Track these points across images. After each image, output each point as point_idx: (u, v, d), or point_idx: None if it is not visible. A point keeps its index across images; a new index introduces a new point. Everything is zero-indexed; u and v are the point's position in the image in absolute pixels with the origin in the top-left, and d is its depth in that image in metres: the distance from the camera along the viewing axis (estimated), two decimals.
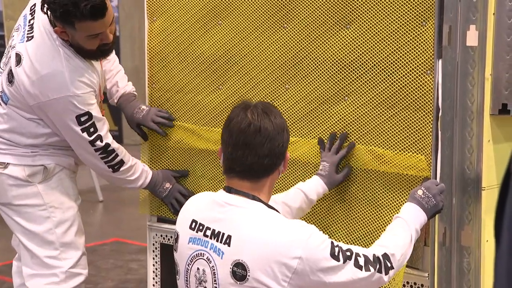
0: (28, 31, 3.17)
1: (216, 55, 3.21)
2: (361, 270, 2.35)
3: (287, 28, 2.99)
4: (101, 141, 3.18)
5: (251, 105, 2.45)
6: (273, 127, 2.41)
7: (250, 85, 3.12)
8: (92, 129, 3.14)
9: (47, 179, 3.27)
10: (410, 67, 2.71)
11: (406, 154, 2.74)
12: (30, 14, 3.21)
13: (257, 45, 3.08)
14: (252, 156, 2.41)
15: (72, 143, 3.22)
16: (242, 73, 3.14)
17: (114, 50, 3.38)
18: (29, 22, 3.19)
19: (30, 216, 3.26)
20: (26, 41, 3.14)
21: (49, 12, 3.03)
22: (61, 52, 3.08)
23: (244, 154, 2.41)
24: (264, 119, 2.41)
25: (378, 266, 2.39)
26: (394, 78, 2.74)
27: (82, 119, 3.11)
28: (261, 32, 3.06)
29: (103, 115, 3.28)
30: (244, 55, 3.13)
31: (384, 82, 2.77)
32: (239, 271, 2.32)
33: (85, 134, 3.14)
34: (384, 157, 2.78)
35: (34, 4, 3.23)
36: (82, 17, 2.94)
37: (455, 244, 2.71)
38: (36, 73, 3.07)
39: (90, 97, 3.13)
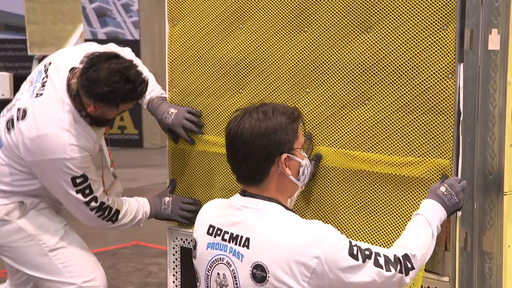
0: (39, 88, 3.23)
1: (237, 59, 3.21)
2: (382, 269, 2.35)
3: (307, 31, 2.99)
4: (96, 202, 3.23)
5: (249, 109, 2.46)
6: (250, 131, 2.40)
7: (271, 89, 3.12)
8: (87, 191, 3.20)
9: (26, 213, 3.30)
10: (432, 71, 2.69)
11: (428, 158, 2.72)
12: (44, 71, 3.27)
13: (277, 49, 3.08)
14: (235, 162, 2.46)
15: (66, 203, 3.27)
16: (263, 76, 3.14)
17: (139, 58, 3.45)
18: (42, 79, 3.25)
19: (21, 250, 3.30)
20: (35, 97, 3.20)
21: (83, 93, 3.10)
22: (67, 116, 3.14)
23: (230, 160, 2.47)
24: (245, 124, 2.41)
25: (399, 267, 2.38)
26: (415, 82, 2.73)
27: (78, 181, 3.17)
28: (281, 36, 3.06)
29: (107, 128, 3.34)
30: (265, 59, 3.13)
31: (405, 86, 2.76)
32: (259, 273, 2.32)
33: (79, 196, 3.19)
34: (404, 162, 2.77)
35: (50, 62, 3.30)
36: (136, 98, 3.11)
37: (476, 249, 2.69)
38: (38, 131, 3.13)
39: (86, 160, 3.18)
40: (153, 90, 3.41)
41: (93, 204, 3.21)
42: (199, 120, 3.34)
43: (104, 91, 3.02)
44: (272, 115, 2.42)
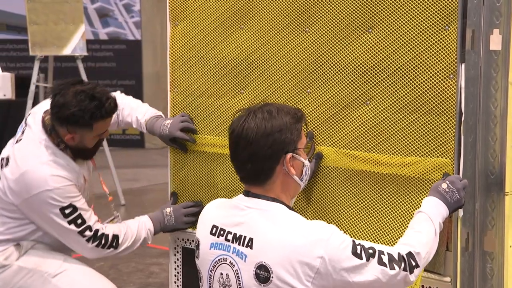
0: (19, 136, 3.32)
1: (238, 59, 3.21)
2: (386, 268, 2.34)
3: (309, 32, 2.99)
4: (90, 231, 3.23)
5: (252, 109, 2.45)
6: (255, 131, 2.39)
7: (272, 89, 3.12)
8: (79, 221, 3.21)
9: (23, 253, 3.31)
10: (433, 71, 2.70)
11: (429, 158, 2.72)
12: (25, 123, 3.37)
13: (279, 49, 3.08)
14: (239, 162, 2.45)
15: (63, 238, 3.27)
16: (264, 77, 3.14)
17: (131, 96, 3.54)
18: (22, 129, 3.35)
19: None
20: (15, 143, 3.29)
21: (56, 121, 3.18)
22: (44, 150, 3.20)
23: (236, 162, 2.46)
24: (250, 124, 2.40)
25: (403, 265, 2.37)
26: (417, 82, 2.73)
27: (67, 211, 3.19)
28: (283, 36, 3.06)
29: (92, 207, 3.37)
30: (266, 59, 3.13)
31: (406, 87, 2.76)
32: (262, 273, 2.33)
33: (72, 226, 3.20)
34: (405, 162, 2.77)
35: (29, 114, 3.40)
36: (106, 115, 3.15)
37: (478, 250, 2.69)
38: (19, 170, 3.19)
39: (71, 190, 3.21)
40: (147, 112, 3.45)
41: (87, 233, 3.22)
42: (194, 127, 3.38)
43: (72, 111, 3.10)
44: (277, 115, 2.43)
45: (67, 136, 3.18)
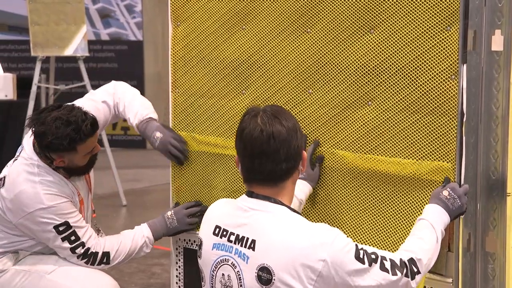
0: (16, 156, 3.36)
1: (240, 60, 3.21)
2: (388, 274, 2.34)
3: (310, 33, 2.99)
4: (83, 247, 3.26)
5: (260, 110, 2.44)
6: (285, 130, 2.39)
7: (274, 90, 3.12)
8: (73, 237, 3.24)
9: (19, 260, 3.34)
10: (434, 72, 2.70)
11: (430, 160, 2.72)
12: (22, 145, 3.40)
13: (280, 50, 3.08)
14: (270, 164, 2.40)
15: (59, 253, 3.31)
16: (266, 77, 3.14)
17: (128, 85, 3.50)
18: (20, 150, 3.38)
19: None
20: (12, 163, 3.33)
21: (39, 149, 3.21)
22: (36, 170, 3.23)
23: (261, 163, 2.40)
24: (276, 124, 2.39)
25: (405, 271, 2.38)
26: (418, 83, 2.73)
27: (61, 228, 3.22)
28: (284, 37, 3.06)
29: (94, 216, 3.42)
30: (268, 60, 3.13)
31: (408, 88, 2.76)
32: (264, 275, 2.32)
33: (66, 243, 3.24)
34: (407, 164, 2.77)
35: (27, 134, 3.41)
36: (85, 137, 3.15)
37: (479, 250, 2.69)
38: (14, 190, 3.23)
39: (66, 207, 3.23)
40: (137, 113, 3.42)
41: (79, 250, 3.25)
42: (184, 148, 3.39)
43: (50, 140, 3.13)
44: (287, 115, 2.44)
45: (55, 161, 3.21)
